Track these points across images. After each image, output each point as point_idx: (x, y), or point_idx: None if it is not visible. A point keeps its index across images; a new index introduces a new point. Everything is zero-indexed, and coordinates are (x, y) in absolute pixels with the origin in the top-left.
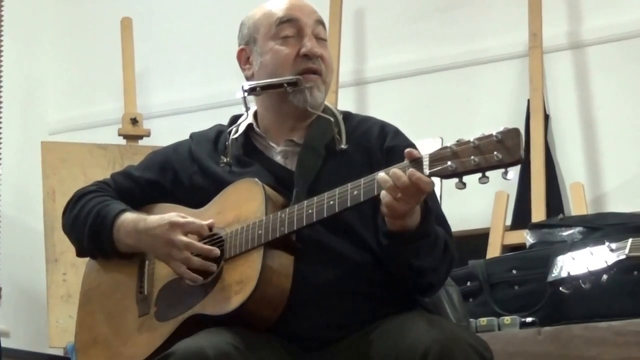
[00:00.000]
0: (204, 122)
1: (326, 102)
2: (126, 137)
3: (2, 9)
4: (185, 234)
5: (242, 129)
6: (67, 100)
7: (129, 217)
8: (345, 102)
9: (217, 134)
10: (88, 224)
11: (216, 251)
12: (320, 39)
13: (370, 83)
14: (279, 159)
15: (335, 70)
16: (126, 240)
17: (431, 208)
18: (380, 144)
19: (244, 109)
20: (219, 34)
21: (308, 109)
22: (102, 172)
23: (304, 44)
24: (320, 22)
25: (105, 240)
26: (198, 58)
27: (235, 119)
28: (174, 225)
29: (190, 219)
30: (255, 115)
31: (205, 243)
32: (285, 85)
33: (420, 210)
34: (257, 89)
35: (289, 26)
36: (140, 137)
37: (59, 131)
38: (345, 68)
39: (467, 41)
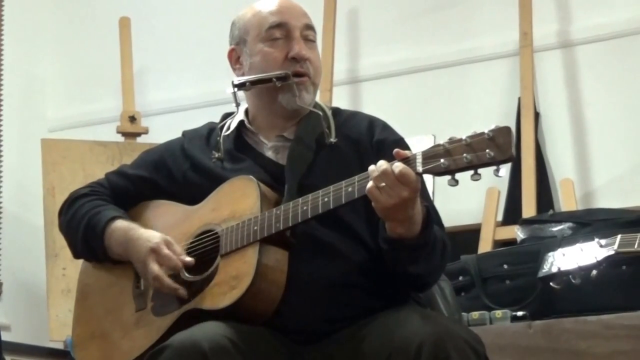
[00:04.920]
0: (201, 120)
1: (316, 99)
2: (125, 134)
3: (3, 7)
4: (160, 266)
5: (233, 125)
6: (67, 98)
7: (120, 226)
8: (339, 100)
9: (209, 131)
10: (80, 231)
11: (181, 290)
12: (309, 41)
13: (364, 81)
14: (270, 154)
15: (324, 70)
16: (116, 249)
17: (433, 219)
18: (370, 137)
19: (234, 104)
20: (217, 33)
21: (297, 104)
22: (101, 169)
23: (292, 48)
24: (309, 26)
25: (97, 248)
26: (196, 56)
27: (227, 116)
28: (152, 252)
29: (169, 253)
30: (246, 112)
31: (199, 239)
32: (275, 79)
33: (421, 219)
34: (247, 84)
35: (279, 29)
36: (139, 134)
37: (59, 128)
38: (339, 66)
39: (459, 40)
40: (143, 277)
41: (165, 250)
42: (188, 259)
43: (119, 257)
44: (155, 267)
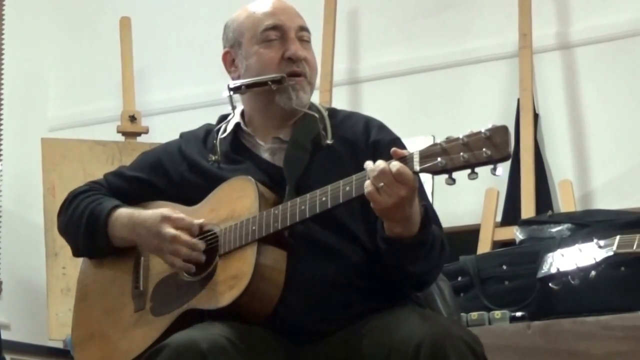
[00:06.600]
0: (201, 120)
1: (312, 100)
2: (125, 134)
3: (3, 7)
4: (176, 228)
5: (230, 127)
6: (67, 97)
7: (124, 211)
8: (338, 100)
9: (206, 133)
10: (83, 223)
11: (200, 244)
12: (303, 42)
13: (364, 82)
14: (266, 156)
15: (324, 71)
16: (121, 233)
17: (431, 218)
18: (366, 138)
19: (230, 108)
20: (217, 33)
21: (294, 106)
22: (101, 168)
23: (288, 48)
24: (303, 27)
25: (100, 237)
26: (196, 56)
27: (223, 118)
28: (165, 219)
29: (182, 215)
30: (242, 114)
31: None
32: (270, 83)
33: (420, 219)
34: (242, 87)
35: (274, 31)
36: (139, 134)
37: (59, 128)
38: (338, 67)
39: (458, 41)
40: (155, 252)
41: (176, 214)
42: (198, 221)
43: (123, 242)
44: (171, 230)
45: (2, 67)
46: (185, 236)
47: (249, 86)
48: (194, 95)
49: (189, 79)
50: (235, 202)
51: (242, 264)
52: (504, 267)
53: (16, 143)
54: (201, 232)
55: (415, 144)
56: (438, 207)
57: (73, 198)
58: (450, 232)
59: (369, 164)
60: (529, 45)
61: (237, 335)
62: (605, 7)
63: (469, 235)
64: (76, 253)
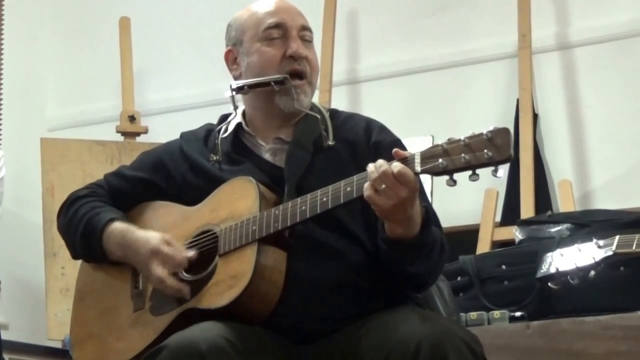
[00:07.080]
0: (200, 120)
1: (313, 100)
2: (124, 134)
3: (3, 7)
4: (164, 265)
5: (231, 127)
6: (66, 97)
7: (117, 227)
8: (338, 100)
9: (207, 133)
10: (79, 232)
11: (185, 290)
12: (305, 41)
13: (363, 82)
14: (267, 156)
15: (324, 71)
16: (115, 252)
17: (432, 220)
18: (367, 139)
19: (232, 107)
20: (216, 33)
21: (295, 107)
22: (100, 168)
23: (290, 46)
24: (305, 27)
25: (96, 250)
26: (195, 56)
27: (224, 118)
28: (154, 254)
29: (172, 251)
30: (243, 114)
31: (198, 239)
32: (273, 83)
33: (420, 220)
34: (245, 87)
35: (276, 29)
36: (138, 134)
37: (58, 128)
38: (338, 67)
39: (458, 42)
40: (145, 278)
41: (167, 249)
42: (190, 253)
43: (118, 259)
44: (158, 270)
45: (2, 66)
46: (170, 281)
47: (251, 86)
48: (192, 95)
49: (188, 79)
50: (235, 202)
51: (241, 263)
52: (503, 267)
53: (15, 143)
54: (201, 232)
55: (414, 144)
56: (437, 207)
57: (73, 202)
58: (449, 232)
59: (370, 166)
60: (529, 46)
61: (236, 335)
62: (605, 8)
63: (469, 235)
64: (75, 257)
